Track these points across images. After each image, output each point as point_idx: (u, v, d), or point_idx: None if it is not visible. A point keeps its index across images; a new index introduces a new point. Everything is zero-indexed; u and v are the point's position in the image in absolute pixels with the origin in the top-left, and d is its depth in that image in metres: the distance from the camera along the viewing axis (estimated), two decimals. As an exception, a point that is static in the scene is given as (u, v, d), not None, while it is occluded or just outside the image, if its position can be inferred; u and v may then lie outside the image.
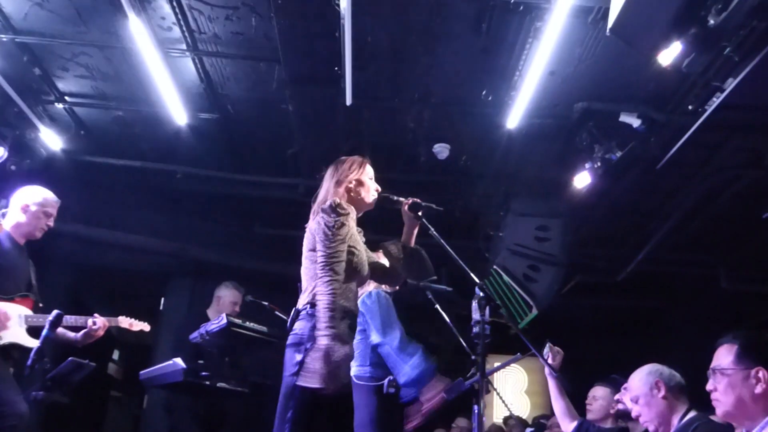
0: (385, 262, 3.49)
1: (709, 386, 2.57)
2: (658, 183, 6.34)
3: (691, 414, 3.10)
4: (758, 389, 2.41)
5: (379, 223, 3.96)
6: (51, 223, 4.24)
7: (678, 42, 3.90)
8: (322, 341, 2.78)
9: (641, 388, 3.24)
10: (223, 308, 5.51)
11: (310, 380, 2.78)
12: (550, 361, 4.22)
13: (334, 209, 3.03)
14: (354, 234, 3.17)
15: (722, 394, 2.51)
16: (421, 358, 4.12)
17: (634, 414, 3.33)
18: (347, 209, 3.08)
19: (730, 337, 2.55)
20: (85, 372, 4.03)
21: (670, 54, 3.97)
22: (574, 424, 4.30)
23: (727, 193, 6.41)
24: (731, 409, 2.49)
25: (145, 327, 4.79)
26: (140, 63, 5.05)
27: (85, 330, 4.24)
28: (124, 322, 4.64)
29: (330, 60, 4.82)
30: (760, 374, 2.41)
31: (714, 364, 2.55)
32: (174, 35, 4.91)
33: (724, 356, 2.53)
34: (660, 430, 3.21)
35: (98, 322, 4.27)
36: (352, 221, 3.20)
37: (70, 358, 3.94)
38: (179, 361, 4.52)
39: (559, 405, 4.38)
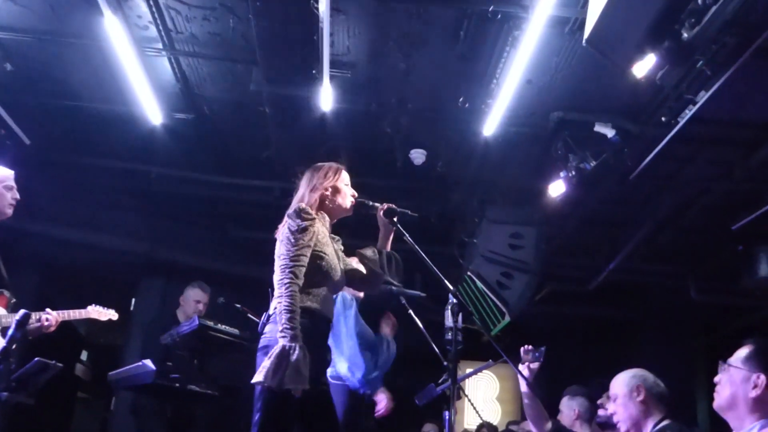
0: (362, 268, 3.49)
1: (716, 378, 2.65)
2: (631, 193, 6.41)
3: (665, 422, 3.13)
4: (753, 393, 2.48)
5: (354, 229, 3.96)
6: (17, 196, 4.08)
7: (652, 54, 3.95)
8: (281, 341, 2.79)
9: (622, 388, 3.30)
10: (187, 307, 5.48)
11: (257, 376, 2.80)
12: (532, 365, 4.24)
13: (299, 214, 3.08)
14: (323, 239, 3.18)
15: (721, 387, 2.60)
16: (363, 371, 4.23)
17: (609, 411, 3.39)
18: (311, 214, 3.11)
19: (753, 339, 2.62)
20: (51, 373, 3.95)
21: (644, 66, 4.03)
22: (549, 424, 4.32)
23: (698, 205, 6.51)
24: (723, 403, 2.58)
25: (113, 315, 4.72)
26: (115, 61, 5.00)
27: (34, 326, 4.11)
28: (94, 312, 4.55)
29: (308, 63, 4.81)
30: (760, 380, 2.47)
31: (729, 359, 2.63)
32: (150, 34, 4.87)
33: (738, 354, 2.61)
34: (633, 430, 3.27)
35: (51, 318, 4.16)
36: (322, 226, 3.22)
37: (36, 359, 3.86)
38: (149, 363, 4.47)
39: (531, 408, 4.39)
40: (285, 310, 2.86)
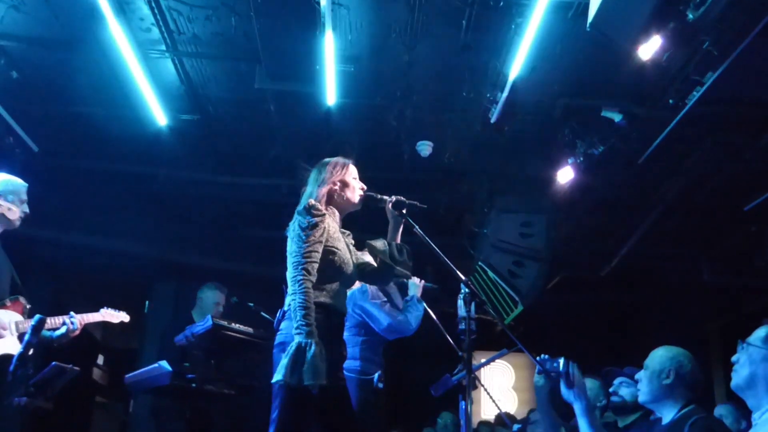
0: (373, 261, 3.50)
1: (733, 357, 2.65)
2: (640, 177, 6.38)
3: (690, 408, 3.06)
4: None
5: (364, 223, 3.96)
6: (27, 210, 4.15)
7: (658, 36, 3.93)
8: (296, 338, 2.82)
9: (655, 365, 3.20)
10: (206, 309, 5.49)
11: (277, 374, 2.82)
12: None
13: (308, 210, 3.10)
14: (334, 235, 3.19)
15: (741, 366, 2.60)
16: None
17: (636, 376, 3.31)
18: (321, 210, 3.12)
19: None
20: (68, 377, 3.98)
21: (650, 48, 4.00)
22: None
23: (708, 187, 6.46)
24: (742, 382, 2.58)
25: (125, 317, 4.77)
26: (119, 65, 5.01)
27: (62, 332, 4.17)
28: (107, 315, 4.61)
29: (311, 59, 4.80)
30: None
31: (748, 338, 2.63)
32: (153, 36, 4.87)
33: (758, 333, 2.61)
34: (649, 405, 3.23)
35: (75, 321, 4.21)
36: (332, 222, 3.23)
37: (53, 363, 3.89)
38: (165, 365, 4.48)
39: (548, 421, 4.31)
40: (299, 306, 2.88)
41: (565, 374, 3.61)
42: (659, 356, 3.23)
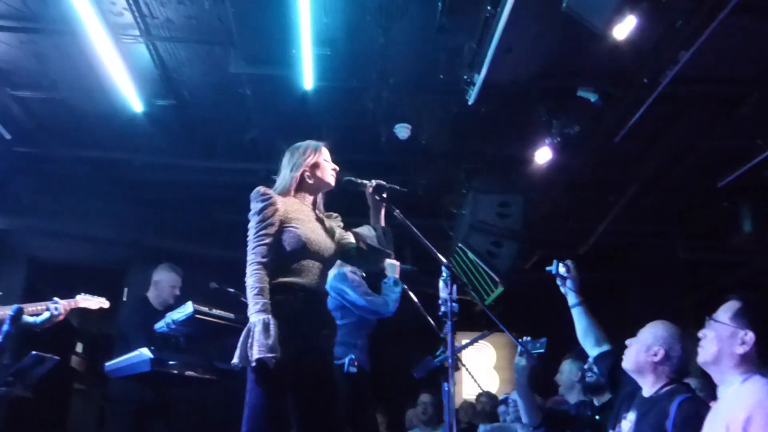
0: (360, 245, 3.50)
1: (700, 333, 2.70)
2: (616, 156, 6.43)
3: (673, 386, 3.08)
4: (740, 350, 2.54)
5: (347, 207, 3.95)
6: None
7: (632, 16, 3.94)
8: (251, 319, 2.89)
9: (647, 338, 3.19)
10: (161, 293, 5.43)
11: (234, 357, 2.87)
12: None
13: (255, 196, 3.18)
14: (295, 215, 3.22)
15: (708, 342, 2.65)
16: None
17: (627, 342, 3.31)
18: (268, 194, 3.19)
19: (738, 295, 2.67)
20: (48, 366, 3.96)
21: (624, 28, 4.02)
22: (540, 414, 4.33)
23: (683, 164, 6.54)
24: (709, 358, 2.63)
25: (104, 303, 4.75)
26: (91, 50, 4.92)
27: (45, 317, 4.15)
28: (83, 301, 4.59)
29: (286, 43, 4.76)
30: (747, 337, 2.54)
31: (714, 314, 2.68)
32: (125, 20, 4.78)
33: (724, 310, 2.66)
34: (629, 373, 3.24)
35: (59, 307, 4.21)
36: (298, 203, 3.27)
37: (32, 353, 3.87)
38: (146, 352, 4.47)
39: (526, 402, 4.33)
40: (250, 287, 2.97)
41: (557, 275, 3.73)
42: (653, 332, 3.21)
